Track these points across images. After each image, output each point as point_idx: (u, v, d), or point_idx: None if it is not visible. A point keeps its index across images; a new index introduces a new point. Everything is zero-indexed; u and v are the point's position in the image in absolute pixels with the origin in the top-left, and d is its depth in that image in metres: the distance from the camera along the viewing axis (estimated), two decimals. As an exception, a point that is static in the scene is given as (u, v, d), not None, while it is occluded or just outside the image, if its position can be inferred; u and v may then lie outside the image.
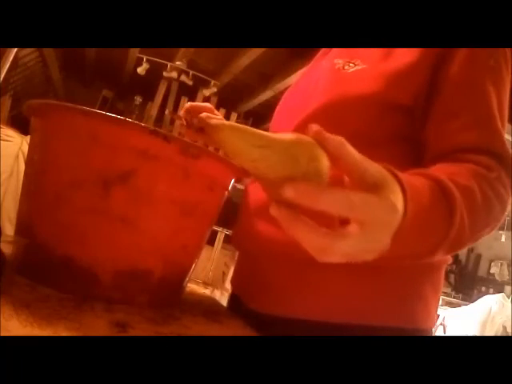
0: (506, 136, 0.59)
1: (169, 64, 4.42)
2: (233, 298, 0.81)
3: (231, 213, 0.83)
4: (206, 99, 4.91)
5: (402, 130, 0.62)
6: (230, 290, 0.86)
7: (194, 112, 0.82)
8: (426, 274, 0.65)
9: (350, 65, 0.66)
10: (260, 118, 5.61)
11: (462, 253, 7.16)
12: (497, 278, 7.03)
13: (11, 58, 2.93)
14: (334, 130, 0.61)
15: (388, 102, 0.61)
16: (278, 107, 0.84)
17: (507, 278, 6.88)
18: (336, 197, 0.35)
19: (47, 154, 0.60)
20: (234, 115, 5.08)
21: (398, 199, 0.39)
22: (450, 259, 0.68)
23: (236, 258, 0.84)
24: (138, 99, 5.48)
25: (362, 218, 0.36)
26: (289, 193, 0.34)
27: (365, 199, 0.36)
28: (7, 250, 0.52)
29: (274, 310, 0.66)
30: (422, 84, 0.60)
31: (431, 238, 0.45)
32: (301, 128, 0.64)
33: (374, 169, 0.39)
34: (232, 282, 0.83)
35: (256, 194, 0.73)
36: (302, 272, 0.64)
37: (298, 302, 0.64)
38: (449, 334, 4.09)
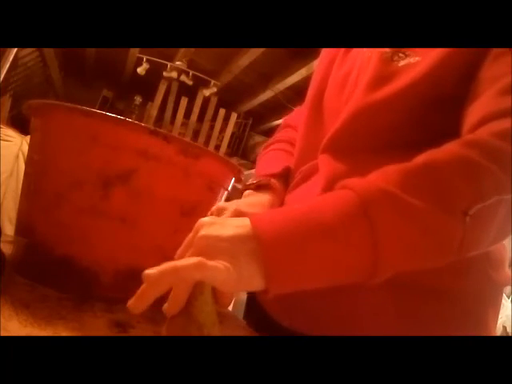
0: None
1: (169, 64, 4.42)
2: (255, 309, 0.70)
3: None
4: (206, 99, 4.91)
5: (442, 124, 0.54)
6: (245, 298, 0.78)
7: None
8: (489, 297, 0.57)
9: (400, 55, 0.57)
10: (260, 118, 5.61)
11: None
12: (497, 278, 6.98)
13: (11, 58, 2.93)
14: (378, 130, 0.57)
15: (432, 93, 0.53)
16: (308, 103, 0.71)
17: (507, 278, 6.83)
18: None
19: (47, 154, 0.60)
20: (233, 115, 5.08)
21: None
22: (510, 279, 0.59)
23: None
24: (138, 99, 5.47)
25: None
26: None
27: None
28: (7, 250, 0.52)
29: (316, 331, 0.56)
30: (466, 67, 0.51)
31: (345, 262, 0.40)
32: (344, 130, 0.58)
33: None
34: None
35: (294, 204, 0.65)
36: (352, 294, 0.54)
37: (347, 326, 0.55)
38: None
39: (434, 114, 0.54)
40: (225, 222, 0.43)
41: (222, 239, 0.40)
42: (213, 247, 0.40)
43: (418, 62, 0.54)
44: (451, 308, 0.54)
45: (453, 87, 0.52)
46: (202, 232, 0.42)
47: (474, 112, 0.48)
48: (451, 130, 0.52)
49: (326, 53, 0.74)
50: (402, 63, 0.56)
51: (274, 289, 0.39)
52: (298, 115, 0.82)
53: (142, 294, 0.39)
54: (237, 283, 0.39)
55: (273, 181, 0.68)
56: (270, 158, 0.78)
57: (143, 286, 0.40)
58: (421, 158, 0.44)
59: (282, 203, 0.68)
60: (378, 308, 0.54)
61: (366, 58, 0.62)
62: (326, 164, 0.60)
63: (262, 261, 0.39)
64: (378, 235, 0.39)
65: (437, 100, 0.53)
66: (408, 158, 0.46)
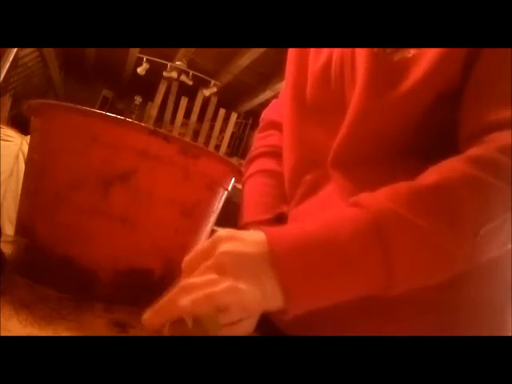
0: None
1: (169, 64, 4.42)
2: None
3: (231, 213, 0.82)
4: (206, 99, 4.91)
5: (450, 124, 0.52)
6: None
7: None
8: (506, 303, 0.56)
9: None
10: (260, 118, 5.60)
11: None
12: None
13: (11, 58, 2.93)
14: (389, 135, 0.54)
15: (440, 90, 0.50)
16: (289, 106, 0.67)
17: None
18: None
19: (47, 154, 0.60)
20: (233, 115, 5.08)
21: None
22: None
23: None
24: (138, 99, 5.48)
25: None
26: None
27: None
28: (7, 250, 0.52)
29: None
30: (468, 59, 0.49)
31: (359, 277, 0.41)
32: (350, 139, 0.55)
33: None
34: None
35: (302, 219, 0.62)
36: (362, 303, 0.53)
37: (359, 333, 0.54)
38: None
39: (443, 112, 0.52)
40: (243, 237, 0.42)
41: (245, 256, 0.40)
42: (236, 265, 0.40)
43: (415, 56, 0.52)
44: (475, 317, 0.54)
45: (458, 81, 0.50)
46: (223, 248, 0.41)
47: (476, 117, 0.48)
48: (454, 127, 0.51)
49: (294, 49, 0.70)
50: (396, 57, 0.53)
51: (293, 306, 0.40)
52: (278, 107, 0.78)
53: (162, 311, 0.39)
54: (260, 303, 0.39)
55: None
56: (259, 193, 0.72)
57: (165, 304, 0.39)
58: (431, 178, 0.44)
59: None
60: (399, 325, 0.53)
61: (347, 49, 0.58)
62: (339, 179, 0.57)
63: (280, 280, 0.39)
64: (391, 259, 0.40)
65: (448, 95, 0.51)
66: (425, 162, 0.47)
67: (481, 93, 0.48)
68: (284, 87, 0.71)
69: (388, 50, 0.54)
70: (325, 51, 0.63)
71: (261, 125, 0.84)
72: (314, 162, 0.61)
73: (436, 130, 0.53)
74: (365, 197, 0.44)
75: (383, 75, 0.53)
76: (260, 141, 0.81)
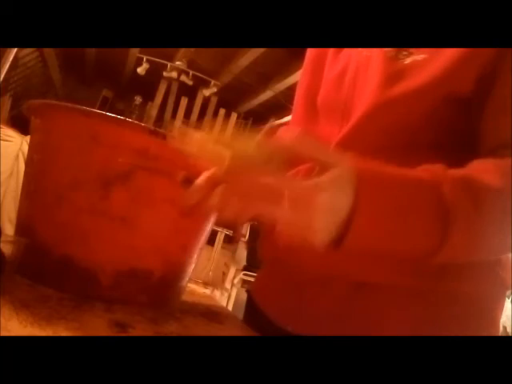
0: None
1: (169, 64, 4.42)
2: (254, 311, 0.69)
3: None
4: (206, 99, 4.91)
5: (459, 126, 0.55)
6: (245, 299, 0.77)
7: None
8: (500, 298, 0.59)
9: (404, 53, 0.57)
10: (260, 118, 5.61)
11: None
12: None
13: (11, 58, 2.94)
14: (393, 130, 0.57)
15: (449, 93, 0.53)
16: (299, 104, 0.72)
17: (507, 278, 6.82)
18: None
19: (47, 154, 0.60)
20: (233, 115, 5.08)
21: (329, 182, 0.41)
22: None
23: (263, 269, 0.75)
24: (138, 99, 5.49)
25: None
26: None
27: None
28: (7, 250, 0.52)
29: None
30: (483, 68, 0.51)
31: (414, 237, 0.44)
32: (359, 128, 0.58)
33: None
34: (258, 295, 0.71)
35: None
36: (364, 299, 0.55)
37: (350, 330, 0.55)
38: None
39: (451, 113, 0.54)
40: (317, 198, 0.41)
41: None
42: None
43: (425, 59, 0.54)
44: (467, 311, 0.55)
45: (470, 88, 0.52)
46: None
47: (500, 130, 0.50)
48: (469, 131, 0.53)
49: (312, 53, 0.74)
50: (407, 61, 0.56)
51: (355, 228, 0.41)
52: None
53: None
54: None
55: None
56: None
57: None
58: (495, 181, 0.46)
59: None
60: (393, 315, 0.54)
61: (363, 58, 0.62)
62: None
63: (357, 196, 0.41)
64: (448, 235, 0.43)
65: (454, 100, 0.53)
66: (425, 160, 0.49)
67: (501, 107, 0.51)
68: (298, 86, 0.75)
69: (400, 56, 0.57)
70: (342, 61, 0.66)
71: None
72: None
73: (444, 130, 0.55)
74: (444, 180, 0.45)
75: (394, 75, 0.56)
76: None
